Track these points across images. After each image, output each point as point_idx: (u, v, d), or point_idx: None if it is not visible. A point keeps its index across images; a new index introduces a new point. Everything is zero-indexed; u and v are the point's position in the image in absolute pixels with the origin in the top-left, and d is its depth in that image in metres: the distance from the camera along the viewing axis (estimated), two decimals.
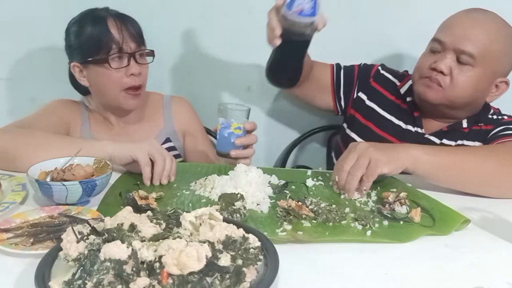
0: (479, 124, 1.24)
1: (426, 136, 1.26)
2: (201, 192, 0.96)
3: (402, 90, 1.33)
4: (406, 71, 1.40)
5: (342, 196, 0.97)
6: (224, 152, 1.11)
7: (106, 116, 1.34)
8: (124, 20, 1.22)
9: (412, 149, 0.97)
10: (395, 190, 0.94)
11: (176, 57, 1.61)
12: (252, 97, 1.66)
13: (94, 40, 1.19)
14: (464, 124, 1.24)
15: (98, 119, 1.34)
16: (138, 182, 0.98)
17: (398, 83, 1.35)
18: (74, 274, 0.56)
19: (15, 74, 1.60)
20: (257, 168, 1.02)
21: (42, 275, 0.57)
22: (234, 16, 1.56)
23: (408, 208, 0.89)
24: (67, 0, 1.47)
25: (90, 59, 1.20)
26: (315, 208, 0.85)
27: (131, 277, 0.54)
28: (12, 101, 1.62)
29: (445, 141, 1.25)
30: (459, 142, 1.24)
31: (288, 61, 1.23)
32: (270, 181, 1.01)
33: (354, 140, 1.34)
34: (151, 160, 0.99)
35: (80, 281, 0.54)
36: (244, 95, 1.65)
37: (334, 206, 0.87)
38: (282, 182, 1.01)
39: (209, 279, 0.55)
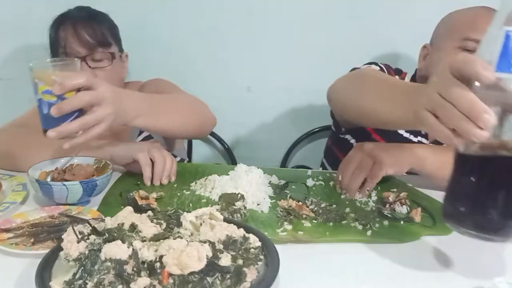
0: None
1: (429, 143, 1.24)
2: (201, 192, 0.96)
3: None
4: (400, 70, 1.34)
5: (342, 196, 0.97)
6: (43, 130, 0.82)
7: None
8: (79, 23, 1.18)
9: (417, 149, 0.96)
10: (395, 190, 0.94)
11: (176, 57, 1.61)
12: (252, 97, 1.66)
13: (51, 47, 1.22)
14: None
15: None
16: (139, 182, 0.98)
17: None
18: (74, 274, 0.56)
19: (15, 74, 1.60)
20: (258, 168, 1.02)
21: (43, 275, 0.57)
22: (234, 16, 1.56)
23: (408, 208, 0.89)
24: (67, 0, 1.48)
25: None
26: (315, 208, 0.85)
27: (131, 277, 0.54)
28: (13, 101, 1.62)
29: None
30: None
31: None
32: (270, 181, 1.01)
33: (349, 143, 1.31)
34: (151, 160, 0.99)
35: (81, 281, 0.54)
36: (244, 95, 1.65)
37: (334, 206, 0.87)
38: (283, 182, 1.01)
39: (209, 279, 0.55)
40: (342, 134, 1.35)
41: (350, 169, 0.95)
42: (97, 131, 0.82)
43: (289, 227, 0.80)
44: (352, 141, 1.32)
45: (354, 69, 1.29)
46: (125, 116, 0.90)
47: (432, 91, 0.61)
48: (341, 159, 1.01)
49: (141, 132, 1.33)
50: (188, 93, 1.24)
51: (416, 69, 1.32)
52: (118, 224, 0.63)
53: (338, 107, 1.16)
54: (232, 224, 0.65)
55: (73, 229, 0.61)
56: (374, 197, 0.96)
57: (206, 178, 1.01)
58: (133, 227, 0.63)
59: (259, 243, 0.63)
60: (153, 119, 0.97)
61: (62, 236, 0.61)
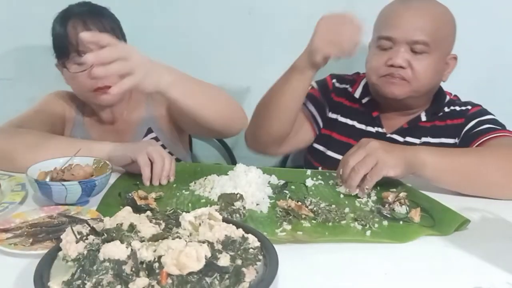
0: (439, 114, 1.23)
1: (388, 135, 1.25)
2: (200, 192, 0.96)
3: (357, 94, 1.31)
4: (357, 73, 1.37)
5: (342, 196, 0.96)
6: None
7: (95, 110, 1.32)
8: (88, 19, 1.17)
9: (420, 153, 0.95)
10: (395, 190, 0.94)
11: (176, 57, 1.61)
12: (252, 97, 1.65)
13: (57, 43, 1.19)
14: (423, 117, 1.23)
15: (92, 112, 1.33)
16: (138, 182, 0.98)
17: (350, 89, 1.33)
18: (73, 274, 0.56)
19: (15, 74, 1.60)
20: (257, 168, 1.01)
21: (42, 275, 0.57)
22: (234, 16, 1.56)
23: (407, 208, 0.89)
24: (67, 0, 1.48)
25: (57, 61, 1.21)
26: (314, 208, 0.85)
27: (130, 277, 0.54)
28: (13, 101, 1.62)
29: (408, 139, 1.23)
30: (424, 139, 1.22)
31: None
32: (269, 181, 1.01)
33: (322, 153, 1.31)
34: (150, 160, 0.98)
35: (79, 281, 0.54)
36: (244, 95, 1.65)
37: (333, 206, 0.87)
38: (282, 182, 1.01)
39: (208, 279, 0.55)
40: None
41: (351, 164, 0.94)
42: (129, 82, 0.86)
43: (288, 227, 0.80)
44: (321, 148, 1.33)
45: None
46: (159, 79, 0.94)
47: None
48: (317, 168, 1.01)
49: (146, 134, 1.33)
50: None
51: None
52: (117, 224, 0.63)
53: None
54: (231, 224, 0.65)
55: (72, 229, 0.61)
56: (373, 197, 0.96)
57: (205, 178, 1.01)
58: (132, 227, 0.63)
59: (258, 243, 0.63)
60: (188, 94, 0.99)
61: (61, 236, 0.61)
